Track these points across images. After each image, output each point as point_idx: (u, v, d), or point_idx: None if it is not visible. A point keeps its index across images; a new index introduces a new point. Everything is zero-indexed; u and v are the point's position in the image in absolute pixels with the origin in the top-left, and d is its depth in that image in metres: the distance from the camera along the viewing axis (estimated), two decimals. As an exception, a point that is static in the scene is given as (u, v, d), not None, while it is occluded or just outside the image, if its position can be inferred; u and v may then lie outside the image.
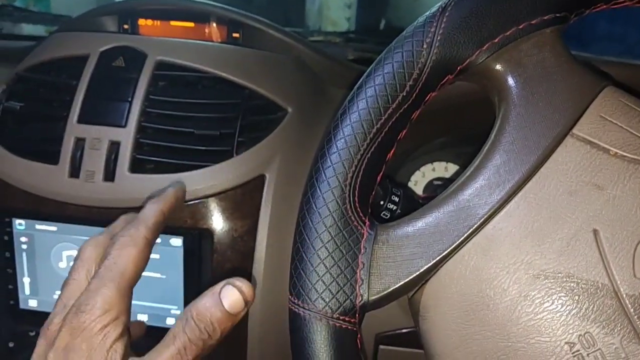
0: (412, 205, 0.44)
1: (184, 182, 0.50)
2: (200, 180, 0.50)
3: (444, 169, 0.66)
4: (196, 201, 0.51)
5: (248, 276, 0.51)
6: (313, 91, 0.61)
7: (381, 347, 0.56)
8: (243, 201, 0.51)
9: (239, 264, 0.51)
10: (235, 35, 0.63)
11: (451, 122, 0.63)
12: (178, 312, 0.53)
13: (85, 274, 0.35)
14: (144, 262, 0.36)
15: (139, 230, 0.36)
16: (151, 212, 0.38)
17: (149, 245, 0.36)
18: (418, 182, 0.65)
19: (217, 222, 0.51)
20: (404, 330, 0.56)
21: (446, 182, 0.66)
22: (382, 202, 0.42)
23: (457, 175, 0.66)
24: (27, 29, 1.14)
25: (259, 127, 0.54)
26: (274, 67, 0.58)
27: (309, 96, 0.59)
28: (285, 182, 0.53)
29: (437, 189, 0.65)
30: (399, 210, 0.43)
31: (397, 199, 0.43)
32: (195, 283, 0.52)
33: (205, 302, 0.35)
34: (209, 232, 0.51)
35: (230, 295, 0.35)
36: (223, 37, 0.63)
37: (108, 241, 0.36)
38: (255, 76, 0.55)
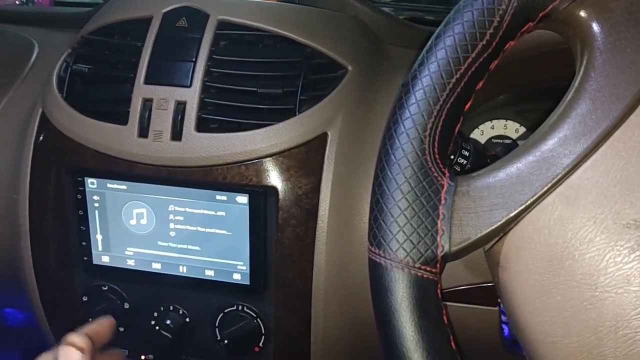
0: (482, 160, 0.44)
1: (248, 141, 0.51)
2: (264, 139, 0.51)
3: (503, 126, 0.65)
4: (261, 160, 0.51)
5: (312, 233, 0.52)
6: (372, 49, 0.60)
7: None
8: (306, 159, 0.52)
9: (303, 221, 0.52)
10: (292, -7, 0.62)
11: (512, 79, 0.61)
12: (244, 268, 0.54)
13: None
14: None
15: None
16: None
17: None
18: (477, 140, 0.64)
19: (282, 179, 0.52)
20: (462, 287, 0.56)
21: (506, 140, 0.65)
22: (452, 157, 0.42)
23: (516, 133, 0.65)
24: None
25: (320, 86, 0.54)
26: (333, 25, 0.58)
27: (368, 54, 0.59)
28: (347, 139, 0.53)
29: (497, 147, 0.64)
30: (469, 165, 0.43)
31: (467, 154, 0.42)
32: (261, 239, 0.53)
33: None
34: (274, 190, 0.52)
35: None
36: (280, -4, 0.62)
37: None
38: (316, 34, 0.55)
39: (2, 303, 0.87)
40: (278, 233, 0.52)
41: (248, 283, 0.55)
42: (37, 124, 0.57)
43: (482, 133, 0.65)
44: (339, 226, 0.52)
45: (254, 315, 0.55)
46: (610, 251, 0.30)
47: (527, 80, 0.60)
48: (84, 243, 0.57)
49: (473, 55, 0.33)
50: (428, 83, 0.33)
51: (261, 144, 0.51)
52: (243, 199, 0.52)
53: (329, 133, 0.52)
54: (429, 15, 0.89)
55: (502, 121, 0.65)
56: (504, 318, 0.58)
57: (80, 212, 0.56)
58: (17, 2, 0.98)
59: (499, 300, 0.55)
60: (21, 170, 0.57)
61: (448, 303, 0.56)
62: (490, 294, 0.54)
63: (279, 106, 0.52)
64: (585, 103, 0.31)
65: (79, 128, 0.54)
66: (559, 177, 0.31)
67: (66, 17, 0.71)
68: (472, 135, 0.64)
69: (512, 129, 0.64)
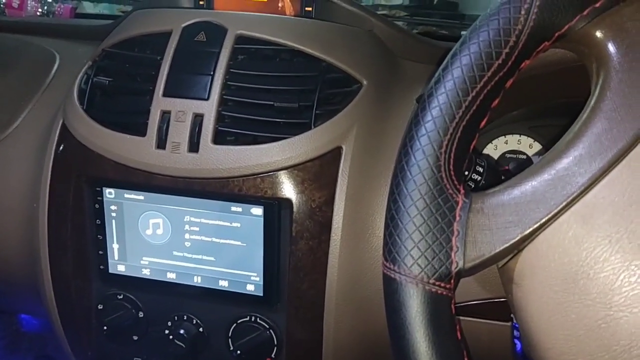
0: (496, 176, 0.44)
1: (264, 154, 0.52)
2: (280, 152, 0.52)
3: (517, 141, 0.65)
4: (276, 172, 0.52)
5: (326, 246, 0.52)
6: (386, 64, 0.61)
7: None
8: (321, 172, 0.53)
9: (316, 234, 0.53)
10: (308, 9, 0.63)
11: (527, 95, 0.62)
12: (257, 279, 0.55)
13: None
14: None
15: None
16: None
17: None
18: (490, 154, 0.64)
19: (296, 192, 0.52)
20: (474, 302, 0.56)
21: (519, 156, 0.65)
22: (466, 173, 0.42)
23: (530, 148, 0.65)
24: (87, 6, 1.18)
25: (335, 100, 0.54)
26: (348, 40, 0.59)
27: (383, 69, 0.60)
28: (361, 153, 0.53)
29: (511, 163, 0.64)
30: (483, 181, 0.43)
31: (481, 170, 0.43)
32: (275, 251, 0.54)
33: None
34: (288, 202, 0.52)
35: None
36: (296, 11, 0.63)
37: None
38: (332, 49, 0.55)
39: (17, 309, 0.88)
40: (291, 245, 0.53)
41: (261, 294, 0.55)
42: (57, 134, 0.58)
43: (496, 148, 0.65)
44: (352, 239, 0.53)
45: (267, 327, 0.56)
46: (625, 270, 0.30)
47: (541, 97, 0.60)
48: (100, 252, 0.58)
49: (489, 74, 0.33)
50: (444, 100, 0.33)
51: (277, 157, 0.52)
52: (258, 210, 0.53)
53: (344, 147, 0.53)
54: (443, 30, 0.90)
55: (516, 136, 0.65)
56: (516, 333, 0.58)
57: (98, 222, 0.57)
58: (38, 13, 1.00)
59: (511, 315, 0.55)
60: (41, 180, 0.58)
61: (460, 317, 0.56)
62: (502, 309, 0.54)
63: (294, 120, 0.53)
64: (601, 122, 0.32)
65: (98, 139, 0.55)
66: (574, 195, 0.31)
67: (87, 29, 0.73)
68: (485, 150, 0.65)
69: (525, 144, 0.64)
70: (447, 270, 0.32)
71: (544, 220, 0.32)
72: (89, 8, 1.20)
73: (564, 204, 0.31)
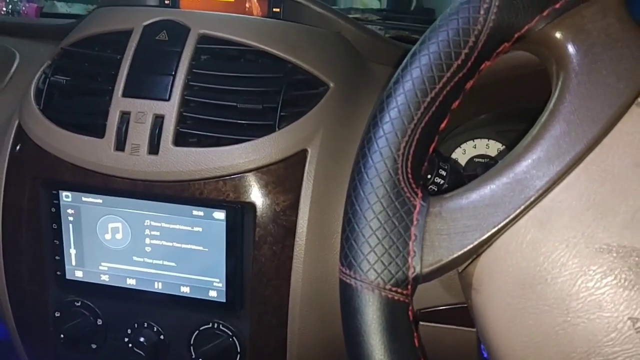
0: (460, 180, 0.44)
1: (226, 156, 0.50)
2: (243, 155, 0.50)
3: (485, 146, 0.65)
4: (239, 175, 0.51)
5: (290, 251, 0.51)
6: (354, 66, 0.60)
7: (420, 323, 0.56)
8: (285, 176, 0.51)
9: (280, 239, 0.51)
10: (276, 10, 0.62)
11: (493, 99, 0.61)
12: (220, 285, 0.53)
13: None
14: None
15: None
16: None
17: None
18: (459, 159, 0.64)
19: (260, 196, 0.51)
20: (441, 308, 0.56)
21: (488, 160, 0.65)
22: (429, 176, 0.42)
23: (499, 152, 0.65)
24: (61, 7, 1.16)
25: (300, 102, 0.53)
26: (316, 41, 0.58)
27: (351, 71, 0.59)
28: (327, 156, 0.52)
29: (479, 167, 0.64)
30: (446, 185, 0.42)
31: (444, 173, 0.42)
32: (237, 256, 0.52)
33: None
34: (252, 206, 0.51)
35: None
36: (264, 12, 0.62)
37: None
38: (298, 51, 0.54)
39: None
40: (254, 250, 0.51)
41: (224, 300, 0.53)
42: (13, 135, 0.56)
43: (464, 152, 0.65)
44: (316, 244, 0.52)
45: (230, 334, 0.54)
46: (583, 276, 0.29)
47: (508, 101, 0.60)
48: (57, 257, 0.56)
49: (448, 74, 0.32)
50: (402, 101, 0.32)
51: (239, 159, 0.50)
52: (220, 214, 0.51)
53: (309, 150, 0.52)
54: (415, 34, 0.90)
55: (484, 140, 0.65)
56: (484, 339, 0.58)
57: (54, 226, 0.55)
58: (2, 12, 0.97)
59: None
60: (-5, 182, 0.56)
61: (425, 323, 0.55)
62: (468, 314, 0.53)
63: (258, 122, 0.51)
64: (560, 125, 0.31)
65: (54, 141, 0.53)
66: (531, 199, 0.31)
67: (50, 28, 0.71)
68: (454, 155, 0.64)
69: (494, 148, 0.64)
70: (403, 275, 0.31)
71: (502, 224, 0.31)
72: (62, 9, 1.17)
73: (521, 207, 0.31)
